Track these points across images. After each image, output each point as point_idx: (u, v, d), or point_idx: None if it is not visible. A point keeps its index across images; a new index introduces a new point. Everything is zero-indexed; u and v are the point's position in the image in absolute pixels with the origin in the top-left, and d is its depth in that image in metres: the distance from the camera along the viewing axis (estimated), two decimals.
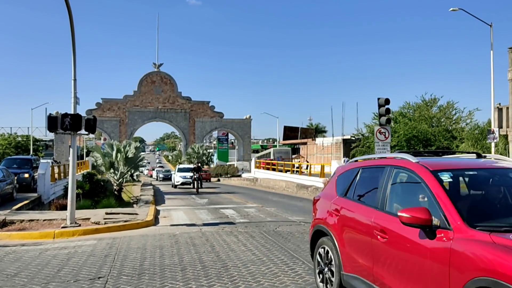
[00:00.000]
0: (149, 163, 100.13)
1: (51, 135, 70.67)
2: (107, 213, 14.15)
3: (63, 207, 15.99)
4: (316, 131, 76.12)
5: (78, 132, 12.22)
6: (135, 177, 35.07)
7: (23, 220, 12.97)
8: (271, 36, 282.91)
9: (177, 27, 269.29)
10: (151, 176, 66.65)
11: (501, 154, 30.60)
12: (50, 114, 11.91)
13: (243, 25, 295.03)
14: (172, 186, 35.32)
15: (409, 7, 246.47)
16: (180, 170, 35.93)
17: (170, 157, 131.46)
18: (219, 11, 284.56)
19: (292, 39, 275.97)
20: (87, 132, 12.47)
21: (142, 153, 40.25)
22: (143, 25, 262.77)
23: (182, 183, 33.75)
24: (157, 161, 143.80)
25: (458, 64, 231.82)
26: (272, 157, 53.42)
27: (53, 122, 11.71)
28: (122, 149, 25.03)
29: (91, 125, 12.12)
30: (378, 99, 17.82)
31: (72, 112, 12.15)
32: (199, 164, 30.91)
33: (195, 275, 7.08)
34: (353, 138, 51.87)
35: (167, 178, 53.74)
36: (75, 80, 12.36)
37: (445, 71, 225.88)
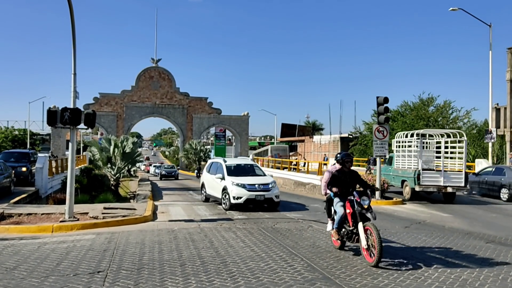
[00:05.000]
0: (148, 159, 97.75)
1: (48, 129, 70.52)
2: (105, 208, 14.15)
3: (61, 201, 16.00)
4: (313, 129, 76.18)
5: (77, 127, 12.20)
6: (132, 173, 35.07)
7: (21, 214, 12.96)
8: (270, 34, 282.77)
9: (176, 23, 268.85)
10: (148, 172, 66.43)
11: (497, 154, 30.75)
12: (50, 108, 11.88)
13: (242, 22, 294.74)
14: (217, 203, 17.08)
15: (408, 6, 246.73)
16: (237, 170, 16.87)
17: (167, 153, 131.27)
18: (219, 8, 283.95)
19: (291, 37, 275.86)
20: (86, 127, 12.45)
21: (139, 148, 38.41)
22: (142, 20, 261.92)
23: (250, 201, 15.39)
24: (152, 153, 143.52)
25: (456, 64, 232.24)
26: (269, 154, 53.51)
27: (52, 116, 11.69)
28: (120, 144, 25.03)
29: (90, 120, 12.10)
30: (377, 97, 17.83)
31: (71, 106, 12.13)
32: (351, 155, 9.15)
33: (195, 271, 7.11)
34: (351, 136, 51.99)
35: (170, 175, 45.46)
36: (75, 74, 12.34)
37: (444, 71, 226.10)
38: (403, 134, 20.85)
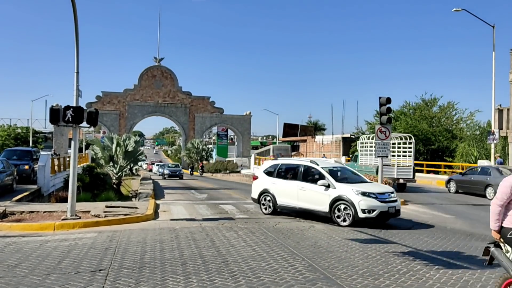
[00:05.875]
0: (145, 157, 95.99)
1: (50, 127, 70.59)
2: (107, 206, 14.16)
3: (63, 199, 16.02)
4: (315, 129, 76.18)
5: (79, 125, 12.22)
6: (134, 171, 35.15)
7: (23, 212, 12.99)
8: (272, 33, 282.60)
9: (179, 22, 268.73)
10: (150, 171, 66.43)
11: (499, 155, 30.65)
12: (52, 106, 11.89)
13: (245, 22, 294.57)
14: None
15: (411, 7, 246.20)
16: (343, 175, 13.90)
17: (169, 152, 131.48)
18: (222, 7, 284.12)
19: (294, 36, 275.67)
20: (88, 125, 12.46)
21: (142, 147, 37.77)
22: (145, 19, 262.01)
23: (382, 214, 12.26)
24: (154, 152, 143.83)
25: (459, 64, 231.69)
26: (271, 154, 53.44)
27: (55, 114, 11.70)
28: (122, 143, 25.04)
29: (93, 118, 12.11)
30: (380, 97, 17.79)
31: (74, 104, 12.13)
32: None
33: (196, 270, 7.12)
34: (353, 137, 51.96)
35: (175, 174, 43.11)
36: (77, 72, 12.34)
37: (446, 71, 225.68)
38: (366, 136, 26.52)
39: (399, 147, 23.75)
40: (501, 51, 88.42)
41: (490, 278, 6.88)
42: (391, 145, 23.17)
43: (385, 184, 18.47)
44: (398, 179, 22.11)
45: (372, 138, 24.02)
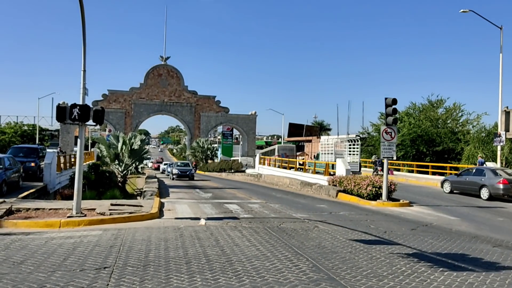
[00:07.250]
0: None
1: (57, 125, 71.02)
2: (112, 204, 14.21)
3: (69, 197, 16.13)
4: (320, 129, 76.00)
5: (86, 123, 12.27)
6: (139, 170, 35.18)
7: (29, 209, 13.07)
8: (278, 33, 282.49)
9: (185, 21, 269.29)
10: (156, 169, 66.45)
11: (506, 157, 30.46)
12: (59, 104, 11.96)
13: (251, 22, 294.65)
14: None
15: (418, 7, 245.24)
16: None
17: (174, 151, 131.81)
18: (228, 8, 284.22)
19: (300, 37, 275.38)
20: (94, 123, 12.51)
21: (147, 146, 37.20)
22: (151, 18, 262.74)
23: None
24: (159, 150, 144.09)
25: (466, 65, 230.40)
26: (276, 154, 53.41)
27: (61, 112, 11.76)
28: (127, 141, 25.16)
29: (99, 116, 12.16)
30: (386, 98, 17.76)
31: (80, 102, 12.21)
32: None
33: (200, 268, 7.13)
34: (358, 137, 51.76)
35: (185, 174, 38.34)
36: (84, 71, 12.41)
37: (453, 73, 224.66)
38: (325, 139, 34.58)
39: (349, 148, 30.79)
40: (508, 52, 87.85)
41: (495, 281, 6.85)
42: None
43: (387, 185, 18.10)
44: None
45: (331, 140, 32.35)
